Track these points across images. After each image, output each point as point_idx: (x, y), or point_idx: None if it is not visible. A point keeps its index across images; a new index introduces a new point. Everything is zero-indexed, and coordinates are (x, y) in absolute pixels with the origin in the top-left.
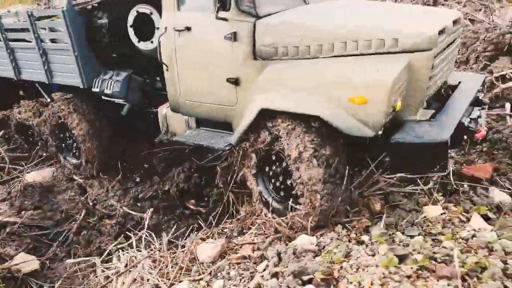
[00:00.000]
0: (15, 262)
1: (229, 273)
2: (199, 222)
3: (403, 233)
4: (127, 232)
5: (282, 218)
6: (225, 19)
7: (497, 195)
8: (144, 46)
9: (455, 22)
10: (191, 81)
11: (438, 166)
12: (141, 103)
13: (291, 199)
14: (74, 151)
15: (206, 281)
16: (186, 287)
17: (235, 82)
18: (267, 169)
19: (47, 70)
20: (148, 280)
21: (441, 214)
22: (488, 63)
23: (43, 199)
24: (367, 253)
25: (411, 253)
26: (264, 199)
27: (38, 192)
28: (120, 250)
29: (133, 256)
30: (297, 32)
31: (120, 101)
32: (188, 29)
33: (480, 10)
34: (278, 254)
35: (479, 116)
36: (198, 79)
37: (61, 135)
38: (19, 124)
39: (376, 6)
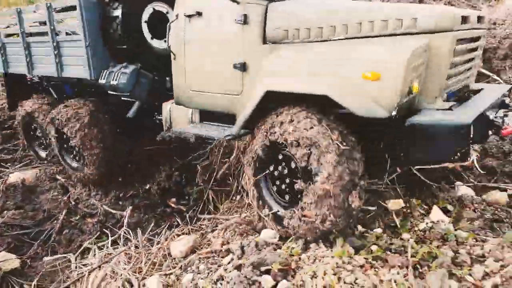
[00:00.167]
0: None
1: (198, 267)
2: (178, 220)
3: (363, 226)
4: (105, 230)
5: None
6: (237, 2)
7: (461, 189)
8: (158, 44)
9: (479, 18)
10: (197, 68)
11: (459, 154)
12: (149, 101)
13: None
14: (75, 154)
15: (177, 275)
16: (156, 281)
17: (242, 67)
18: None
19: (58, 63)
20: (121, 275)
21: (402, 207)
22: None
23: (26, 199)
24: (325, 246)
25: (366, 244)
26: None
27: (20, 192)
28: (97, 248)
29: (108, 253)
30: (310, 14)
31: (126, 97)
32: (199, 14)
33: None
34: (242, 247)
35: (505, 115)
36: (205, 66)
37: (65, 136)
38: (26, 116)
39: None
